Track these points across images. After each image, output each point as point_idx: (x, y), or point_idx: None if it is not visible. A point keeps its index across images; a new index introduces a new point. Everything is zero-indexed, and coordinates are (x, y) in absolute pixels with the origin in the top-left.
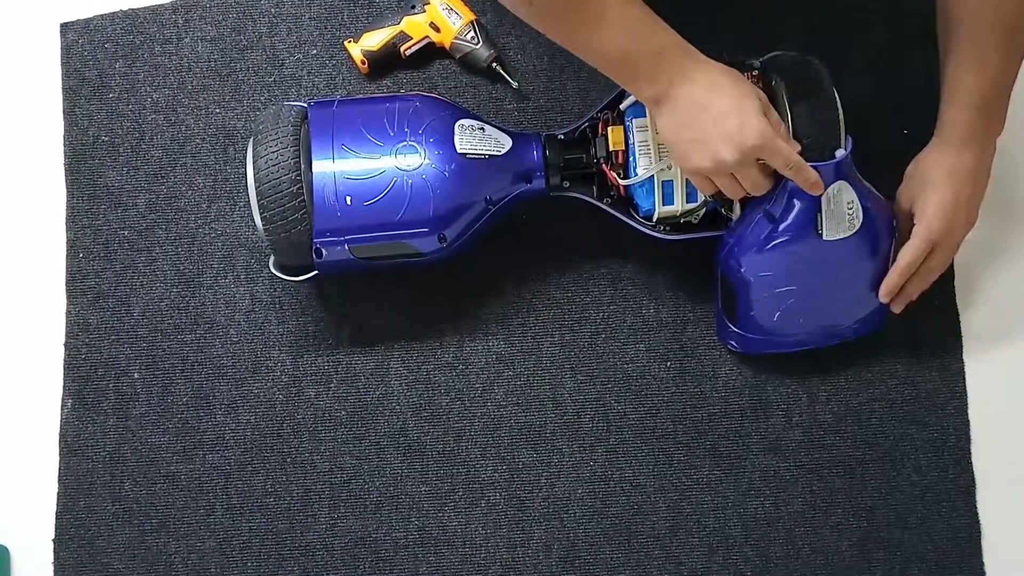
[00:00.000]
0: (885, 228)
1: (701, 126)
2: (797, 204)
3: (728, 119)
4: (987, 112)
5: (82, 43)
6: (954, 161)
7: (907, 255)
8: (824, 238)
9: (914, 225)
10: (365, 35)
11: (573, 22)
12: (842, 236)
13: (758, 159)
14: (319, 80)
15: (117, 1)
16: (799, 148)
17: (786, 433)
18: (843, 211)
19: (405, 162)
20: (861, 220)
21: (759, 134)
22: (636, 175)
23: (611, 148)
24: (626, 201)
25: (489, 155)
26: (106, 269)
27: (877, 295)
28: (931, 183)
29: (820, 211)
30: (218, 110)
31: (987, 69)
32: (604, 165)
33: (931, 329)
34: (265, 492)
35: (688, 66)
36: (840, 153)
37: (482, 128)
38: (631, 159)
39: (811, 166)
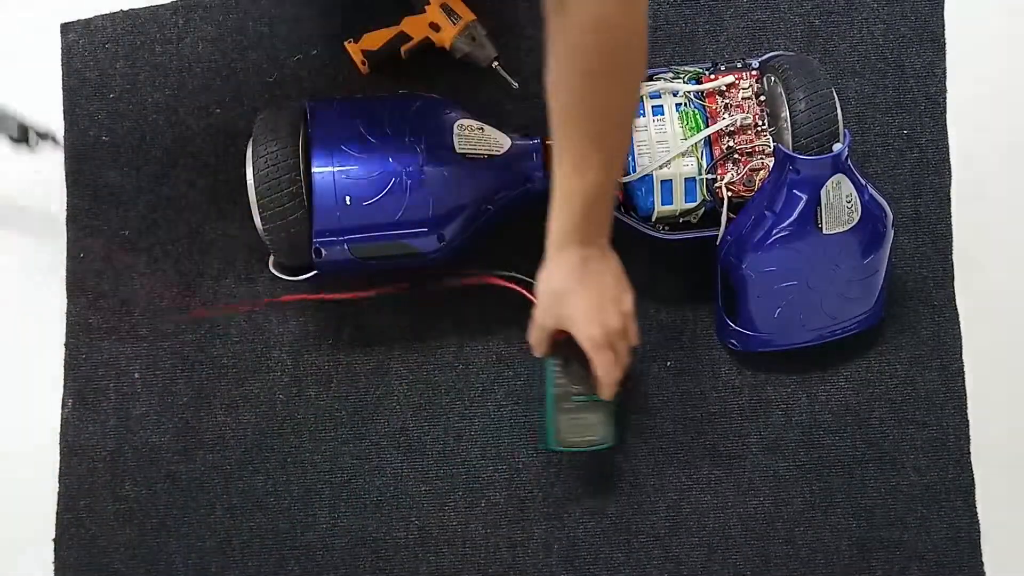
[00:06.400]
0: (883, 222)
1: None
2: (797, 198)
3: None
4: (590, 214)
5: (83, 43)
6: (556, 266)
7: (601, 369)
8: (824, 232)
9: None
10: (365, 35)
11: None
12: (841, 230)
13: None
14: (319, 80)
15: (118, 1)
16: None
17: (786, 433)
18: (842, 204)
19: (404, 162)
20: (860, 214)
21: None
22: (633, 172)
23: None
24: (625, 201)
25: (488, 155)
26: (107, 269)
27: (876, 288)
28: (560, 296)
29: (820, 205)
30: (219, 110)
31: (585, 175)
32: None
33: (931, 329)
34: (265, 492)
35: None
36: (838, 147)
37: (481, 128)
38: (629, 159)
39: (810, 160)
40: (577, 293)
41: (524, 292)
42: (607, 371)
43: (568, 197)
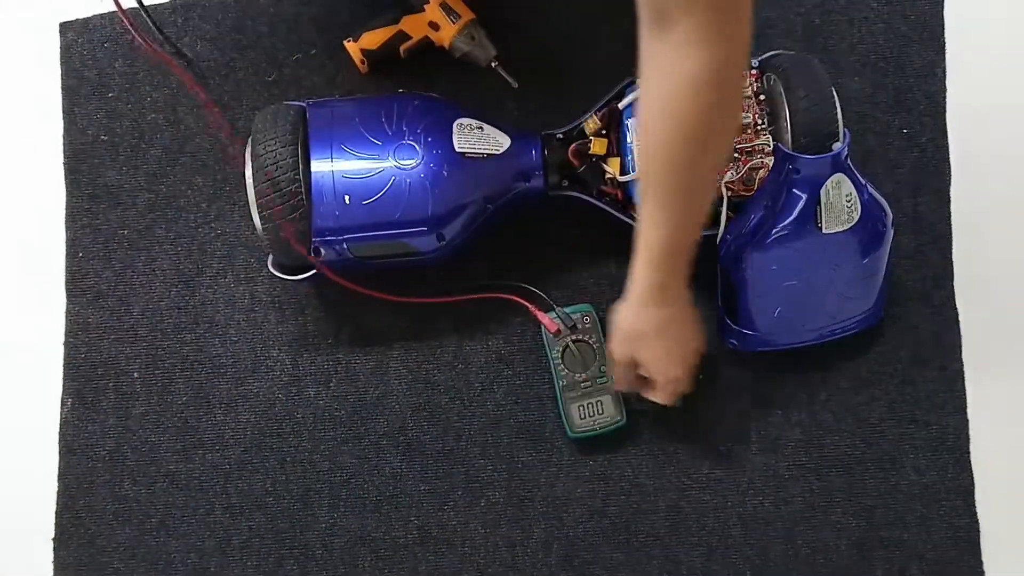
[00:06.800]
0: (882, 221)
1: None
2: (797, 198)
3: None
4: (669, 267)
5: (81, 42)
6: (638, 318)
7: (665, 398)
8: (823, 231)
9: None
10: (364, 34)
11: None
12: (841, 229)
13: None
14: (318, 79)
15: None
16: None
17: (785, 432)
18: (842, 204)
19: (403, 161)
20: (859, 213)
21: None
22: (632, 172)
23: (592, 153)
24: (625, 201)
25: (488, 154)
26: (106, 268)
27: (875, 288)
28: (639, 340)
29: (819, 204)
30: (217, 109)
31: (670, 226)
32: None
33: (930, 329)
34: (265, 491)
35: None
36: (837, 146)
37: (480, 127)
38: (627, 157)
39: (810, 159)
40: (653, 343)
41: (527, 304)
42: (668, 398)
43: (648, 245)
